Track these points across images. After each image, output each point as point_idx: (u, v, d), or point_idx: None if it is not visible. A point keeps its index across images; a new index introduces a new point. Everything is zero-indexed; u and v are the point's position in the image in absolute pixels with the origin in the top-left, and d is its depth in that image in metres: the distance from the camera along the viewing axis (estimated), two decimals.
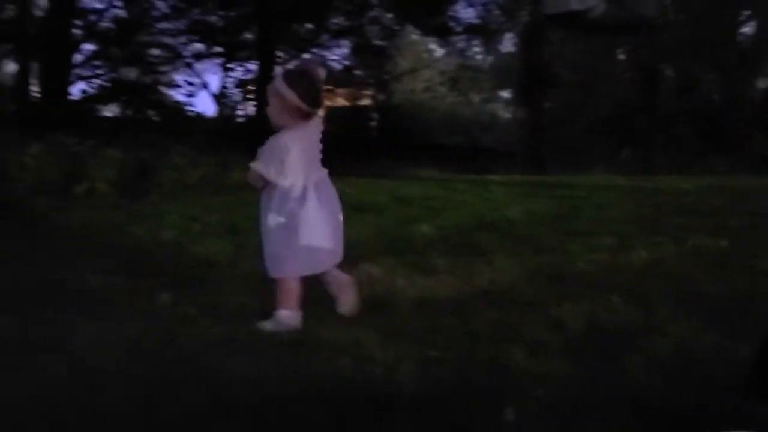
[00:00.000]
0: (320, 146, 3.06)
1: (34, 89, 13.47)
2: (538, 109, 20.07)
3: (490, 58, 25.27)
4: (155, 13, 11.34)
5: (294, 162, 2.89)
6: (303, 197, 2.92)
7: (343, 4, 14.64)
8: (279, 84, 2.91)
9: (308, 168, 2.95)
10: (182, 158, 10.98)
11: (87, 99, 12.62)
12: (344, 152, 13.73)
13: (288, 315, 2.98)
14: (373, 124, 22.97)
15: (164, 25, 11.78)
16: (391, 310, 3.27)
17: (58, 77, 11.13)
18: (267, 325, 2.94)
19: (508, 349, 2.67)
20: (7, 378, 2.32)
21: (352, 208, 7.29)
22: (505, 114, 28.44)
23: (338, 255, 3.11)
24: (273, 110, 2.92)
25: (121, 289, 3.58)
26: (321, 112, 3.01)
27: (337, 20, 15.89)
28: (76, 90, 13.13)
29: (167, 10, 11.68)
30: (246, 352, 2.64)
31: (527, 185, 9.82)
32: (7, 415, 2.08)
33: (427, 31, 18.22)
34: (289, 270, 2.99)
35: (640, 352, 2.65)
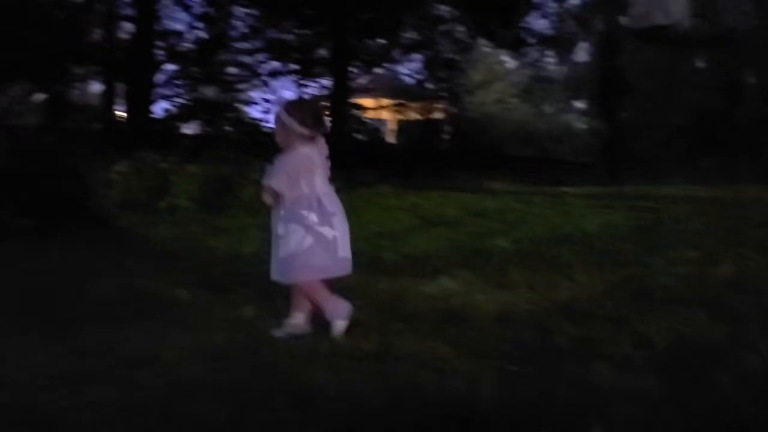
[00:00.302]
0: (326, 164, 3.27)
1: (119, 109, 14.04)
2: (613, 119, 19.70)
3: (564, 68, 24.96)
4: (233, 33, 11.64)
5: (300, 177, 3.12)
6: (309, 209, 3.12)
7: (416, 20, 14.71)
8: (281, 113, 3.20)
9: (314, 183, 3.15)
10: (261, 173, 11.21)
11: (169, 117, 13.07)
12: (417, 165, 13.80)
13: (296, 322, 3.17)
14: (446, 137, 22.97)
15: (242, 44, 12.07)
16: (470, 324, 3.26)
17: (141, 97, 11.58)
18: (278, 333, 3.11)
19: (592, 365, 2.63)
20: (100, 389, 2.41)
21: (425, 222, 7.37)
22: (579, 124, 28.02)
23: (345, 265, 3.24)
24: (278, 135, 3.20)
25: (205, 302, 3.69)
26: (321, 135, 3.21)
27: (409, 34, 15.98)
28: (159, 109, 13.72)
29: (245, 30, 11.98)
30: (328, 364, 2.68)
31: (604, 197, 9.65)
32: (103, 425, 2.16)
33: (500, 43, 18.11)
34: (296, 277, 3.15)
35: (728, 368, 2.58)
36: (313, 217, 3.11)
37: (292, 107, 3.25)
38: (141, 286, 3.95)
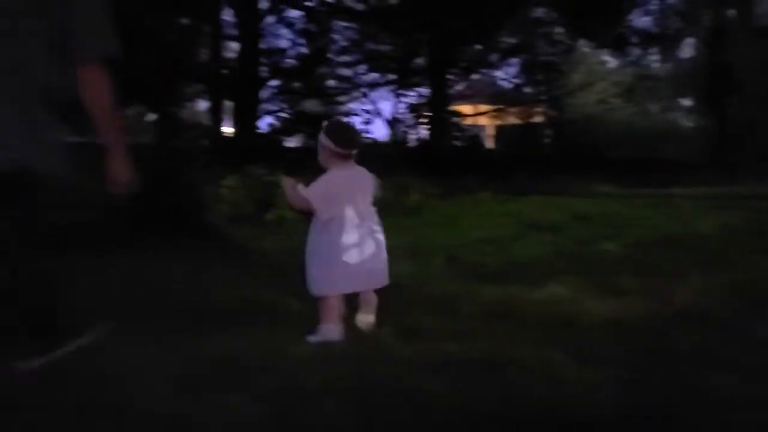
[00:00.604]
0: (364, 181, 3.47)
1: (226, 125, 14.58)
2: (723, 117, 18.89)
3: (669, 66, 24.12)
4: (333, 47, 11.89)
5: (336, 194, 3.32)
6: (343, 225, 3.31)
7: (514, 24, 14.59)
8: (321, 136, 3.43)
9: (349, 199, 3.34)
10: None
11: (273, 132, 13.46)
12: (517, 170, 13.66)
13: (330, 329, 3.29)
14: (546, 140, 22.62)
15: (341, 57, 12.30)
16: (582, 331, 3.22)
17: (247, 113, 11.98)
18: (312, 338, 3.24)
19: (711, 372, 2.56)
20: (223, 395, 2.52)
21: (528, 227, 7.30)
22: (686, 123, 27.03)
23: (379, 279, 3.44)
24: (320, 156, 3.42)
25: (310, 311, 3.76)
26: (355, 152, 3.40)
27: (507, 39, 15.86)
28: (264, 124, 14.16)
29: (345, 43, 12.21)
30: (441, 372, 2.71)
31: (716, 198, 9.28)
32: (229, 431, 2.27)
33: (602, 43, 17.69)
34: (329, 289, 3.32)
35: None
36: (343, 234, 3.31)
37: (329, 128, 3.46)
38: (255, 296, 4.08)
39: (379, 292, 3.56)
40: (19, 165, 2.39)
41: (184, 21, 9.83)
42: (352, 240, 3.31)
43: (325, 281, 3.32)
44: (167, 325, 3.56)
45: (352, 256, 3.31)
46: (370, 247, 3.36)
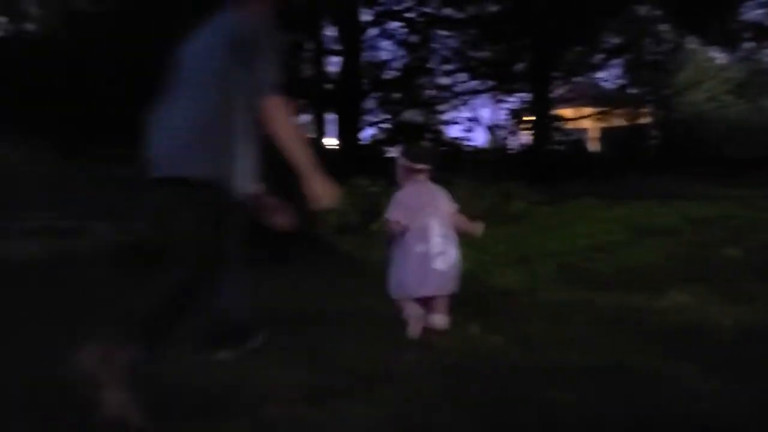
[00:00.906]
0: (436, 195, 3.79)
1: (329, 138, 14.86)
2: None
3: None
4: (434, 57, 11.94)
5: (410, 207, 3.65)
6: (418, 234, 3.60)
7: (618, 23, 14.23)
8: (397, 156, 3.88)
9: (422, 211, 3.65)
10: (465, 191, 11.35)
11: (375, 143, 13.61)
12: (624, 174, 13.28)
13: (410, 328, 3.57)
14: (654, 142, 21.87)
15: (441, 66, 12.33)
16: (708, 340, 3.11)
17: (350, 125, 12.17)
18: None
19: None
20: (348, 403, 2.57)
21: (640, 232, 7.08)
22: None
23: (449, 284, 3.63)
24: (397, 174, 3.82)
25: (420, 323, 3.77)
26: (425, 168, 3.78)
27: (611, 39, 15.47)
28: (366, 135, 14.32)
29: (445, 53, 12.24)
30: (562, 380, 2.67)
31: None
32: None
33: (712, 39, 16.99)
34: (404, 293, 3.62)
35: None
36: (418, 243, 3.60)
37: (404, 148, 4.04)
38: (369, 305, 4.13)
39: (489, 300, 3.59)
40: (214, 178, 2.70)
41: (288, 38, 10.10)
42: (427, 248, 3.58)
43: (401, 286, 3.62)
44: (291, 337, 3.67)
45: (425, 263, 3.56)
46: (441, 255, 3.60)
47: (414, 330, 3.55)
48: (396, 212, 3.67)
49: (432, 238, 3.61)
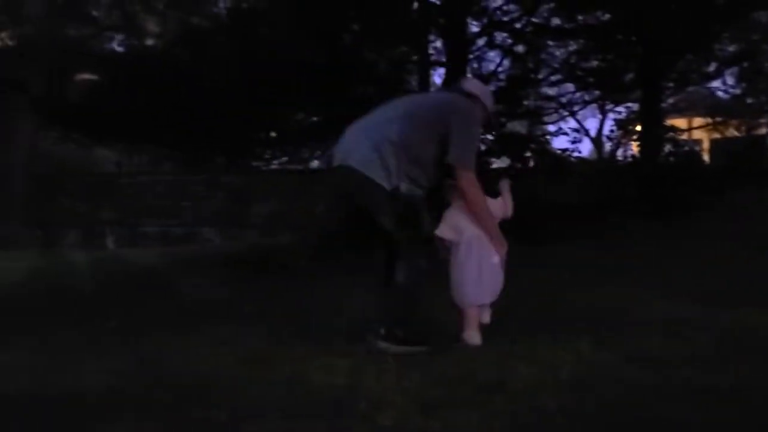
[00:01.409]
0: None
1: None
2: None
3: None
4: (541, 67, 11.80)
5: (459, 224, 3.83)
6: (479, 245, 3.80)
7: (734, 30, 13.66)
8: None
9: (469, 225, 3.82)
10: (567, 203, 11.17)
11: (481, 153, 13.46)
12: (740, 186, 12.70)
13: (475, 335, 3.77)
14: None
15: (549, 77, 12.16)
16: None
17: None
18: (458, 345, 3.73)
19: None
20: (464, 413, 2.61)
21: (759, 247, 6.77)
22: None
23: (499, 290, 3.84)
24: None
25: (536, 335, 3.77)
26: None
27: (726, 47, 14.85)
28: None
29: (552, 63, 12.08)
30: (680, 398, 2.62)
31: None
32: None
33: None
34: (477, 300, 3.82)
35: None
36: (482, 253, 3.80)
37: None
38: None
39: (598, 316, 3.61)
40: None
41: (396, 51, 10.26)
42: (489, 257, 3.81)
43: (474, 294, 3.80)
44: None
45: (490, 272, 3.81)
46: (497, 264, 3.84)
47: (477, 336, 3.77)
48: (444, 230, 3.86)
49: (486, 246, 3.82)
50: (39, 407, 3.11)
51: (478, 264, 3.80)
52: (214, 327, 4.71)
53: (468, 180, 3.72)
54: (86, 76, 13.60)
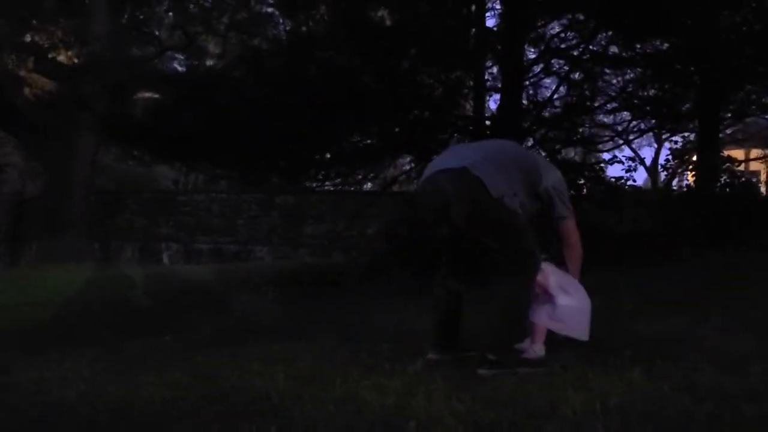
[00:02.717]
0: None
1: None
2: None
3: None
4: (599, 96, 11.72)
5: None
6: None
7: None
8: None
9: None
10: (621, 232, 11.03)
11: None
12: None
13: (542, 348, 3.98)
14: None
15: (604, 104, 12.06)
16: None
17: None
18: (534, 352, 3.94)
19: None
20: None
21: None
22: None
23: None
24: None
25: (588, 362, 3.75)
26: None
27: None
28: None
29: (611, 92, 11.99)
30: (735, 429, 2.58)
31: None
32: None
33: None
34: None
35: None
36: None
37: None
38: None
39: (651, 345, 3.91)
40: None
41: (452, 76, 10.30)
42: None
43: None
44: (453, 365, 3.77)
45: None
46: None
47: (543, 350, 4.02)
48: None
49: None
50: (95, 415, 3.23)
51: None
52: (267, 344, 4.81)
53: (571, 230, 4.08)
54: (148, 94, 14.00)
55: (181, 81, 12.13)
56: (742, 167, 17.68)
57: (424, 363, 3.88)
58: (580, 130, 12.29)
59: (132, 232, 20.44)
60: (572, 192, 10.73)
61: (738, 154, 17.97)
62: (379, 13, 10.60)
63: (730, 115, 15.03)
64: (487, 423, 2.76)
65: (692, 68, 11.41)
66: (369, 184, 16.42)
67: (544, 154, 11.52)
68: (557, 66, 11.51)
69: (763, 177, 21.70)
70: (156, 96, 13.19)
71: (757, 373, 3.39)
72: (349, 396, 3.22)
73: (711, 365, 3.55)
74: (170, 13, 24.04)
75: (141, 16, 24.44)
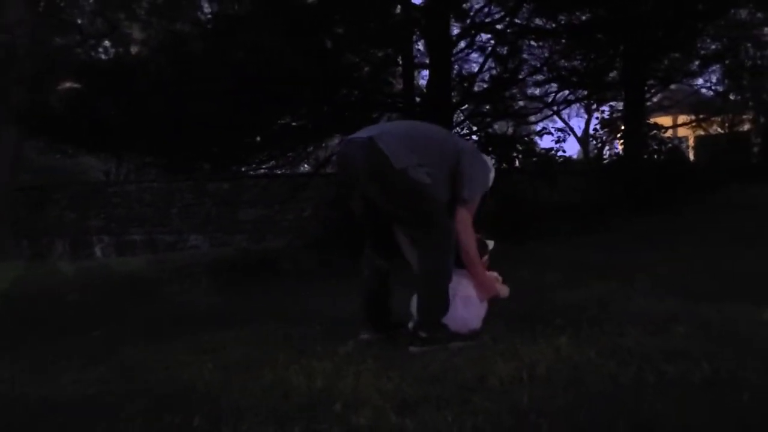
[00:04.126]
0: None
1: None
2: None
3: None
4: (524, 67, 11.81)
5: None
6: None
7: (716, 28, 13.73)
8: None
9: None
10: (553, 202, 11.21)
11: None
12: (725, 184, 12.79)
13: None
14: (755, 150, 20.93)
15: (531, 77, 12.18)
16: None
17: None
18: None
19: None
20: (438, 412, 2.60)
21: (743, 242, 6.81)
22: None
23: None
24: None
25: (517, 332, 3.78)
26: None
27: (708, 44, 14.94)
28: None
29: (535, 63, 12.10)
30: (659, 393, 2.62)
31: None
32: None
33: None
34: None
35: None
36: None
37: None
38: None
39: (577, 311, 3.92)
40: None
41: (379, 54, 10.24)
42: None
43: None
44: (381, 342, 3.74)
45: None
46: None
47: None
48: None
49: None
50: (15, 415, 3.10)
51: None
52: (199, 334, 4.70)
53: (466, 217, 3.80)
54: (69, 84, 13.54)
55: (101, 69, 11.70)
56: (670, 133, 18.16)
57: (356, 344, 3.84)
58: (510, 103, 12.41)
59: (62, 226, 19.85)
60: (505, 165, 10.87)
61: (666, 121, 18.42)
62: None
63: (655, 82, 15.38)
64: (415, 400, 2.74)
65: (615, 38, 11.59)
66: (305, 166, 16.27)
67: (475, 128, 11.61)
68: (483, 40, 11.57)
69: (691, 142, 22.33)
70: (78, 85, 12.75)
71: (680, 334, 3.46)
72: (277, 381, 3.17)
73: (636, 329, 3.61)
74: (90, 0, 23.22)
75: (61, 3, 23.51)
